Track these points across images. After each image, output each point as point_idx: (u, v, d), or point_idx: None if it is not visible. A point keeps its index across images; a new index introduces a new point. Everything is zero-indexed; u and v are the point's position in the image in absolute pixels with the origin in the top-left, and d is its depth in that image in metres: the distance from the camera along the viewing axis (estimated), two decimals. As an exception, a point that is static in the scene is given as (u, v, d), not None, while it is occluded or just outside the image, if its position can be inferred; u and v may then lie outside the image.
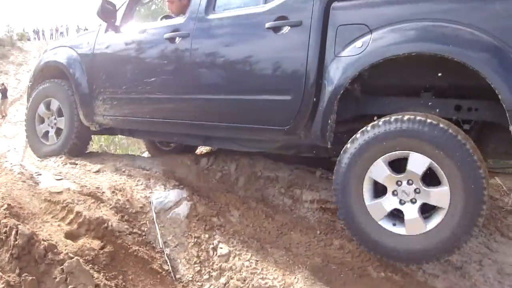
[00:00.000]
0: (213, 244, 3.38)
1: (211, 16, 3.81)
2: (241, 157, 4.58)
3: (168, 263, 3.21)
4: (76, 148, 4.89)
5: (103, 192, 3.60)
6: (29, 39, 53.83)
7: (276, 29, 3.35)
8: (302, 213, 3.93)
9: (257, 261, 3.22)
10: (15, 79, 28.83)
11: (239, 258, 3.25)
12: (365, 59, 2.93)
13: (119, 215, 3.38)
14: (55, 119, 5.06)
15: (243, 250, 3.31)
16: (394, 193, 2.87)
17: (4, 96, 22.39)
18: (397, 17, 2.89)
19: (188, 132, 4.20)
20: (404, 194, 2.84)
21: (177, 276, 3.14)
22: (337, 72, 3.06)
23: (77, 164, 4.35)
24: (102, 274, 2.79)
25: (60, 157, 4.68)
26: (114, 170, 4.15)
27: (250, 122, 3.62)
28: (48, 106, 5.09)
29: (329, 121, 3.12)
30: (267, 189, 4.24)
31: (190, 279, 3.13)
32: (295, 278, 3.07)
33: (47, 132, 5.13)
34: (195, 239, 3.41)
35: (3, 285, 2.34)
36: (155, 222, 3.48)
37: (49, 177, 3.78)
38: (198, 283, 3.11)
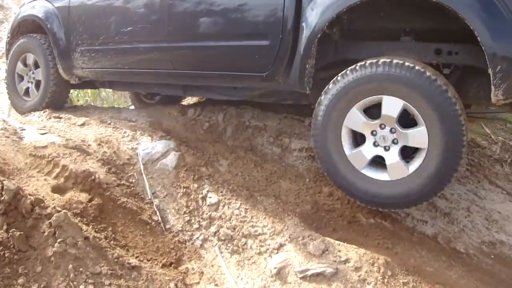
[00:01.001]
0: (202, 193, 3.37)
1: None
2: (228, 106, 4.52)
3: (158, 213, 3.20)
4: (56, 97, 4.82)
5: (89, 145, 3.56)
6: (8, -5, 52.37)
7: None
8: (291, 161, 3.91)
9: (247, 209, 3.22)
10: (-4, 37, 28.14)
11: (228, 207, 3.24)
12: (343, 1, 2.85)
13: (106, 167, 3.35)
14: (32, 73, 4.98)
15: (232, 198, 3.31)
16: (374, 142, 2.88)
17: None
18: None
19: (167, 82, 4.19)
20: (382, 139, 2.84)
21: (167, 227, 3.14)
22: (314, 15, 3.00)
23: (61, 118, 4.28)
24: (91, 226, 2.78)
25: (44, 112, 4.60)
26: (100, 123, 4.10)
27: (228, 69, 3.57)
28: (24, 62, 5.03)
29: (307, 66, 3.08)
30: (255, 139, 4.21)
31: (180, 229, 3.13)
32: (284, 225, 3.07)
33: (27, 89, 5.06)
34: (184, 189, 3.40)
35: (-8, 241, 2.32)
36: (143, 173, 3.46)
37: (33, 131, 3.72)
38: (188, 233, 3.11)
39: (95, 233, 2.70)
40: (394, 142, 2.82)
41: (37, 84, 4.94)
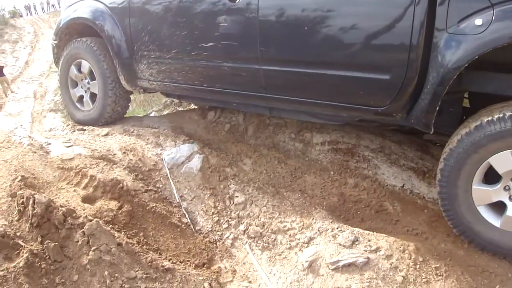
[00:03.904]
0: (229, 193, 3.41)
1: None
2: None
3: (187, 216, 3.24)
4: (117, 109, 4.56)
5: (115, 154, 3.61)
6: (21, 16, 53.27)
7: None
8: (314, 155, 3.93)
9: (274, 205, 3.25)
10: (12, 57, 28.53)
11: (256, 205, 3.27)
12: (487, 42, 2.45)
13: (133, 174, 3.40)
14: (88, 83, 4.67)
15: (259, 196, 3.34)
16: (506, 187, 2.63)
17: (1, 74, 21.57)
18: None
19: (253, 103, 3.76)
20: None
21: (197, 228, 3.18)
22: (450, 53, 2.59)
23: (85, 130, 4.35)
24: (123, 233, 2.83)
25: (68, 125, 4.67)
26: (123, 132, 4.14)
27: (337, 100, 3.18)
28: (79, 68, 4.70)
29: (437, 108, 2.72)
30: (277, 136, 4.24)
31: (210, 229, 3.17)
32: (313, 218, 3.09)
33: (81, 97, 4.80)
34: (211, 191, 3.43)
35: (27, 254, 2.37)
36: (169, 177, 3.50)
37: (58, 145, 3.78)
38: (218, 233, 3.14)
39: (128, 239, 2.75)
40: None
41: (92, 96, 4.66)
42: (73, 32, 4.82)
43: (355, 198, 3.37)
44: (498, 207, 2.71)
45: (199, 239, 3.07)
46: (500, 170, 2.59)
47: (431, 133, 2.90)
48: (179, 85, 4.01)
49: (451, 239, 2.98)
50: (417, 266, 2.63)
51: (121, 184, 3.20)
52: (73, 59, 4.70)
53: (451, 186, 2.74)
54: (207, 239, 3.09)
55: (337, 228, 2.95)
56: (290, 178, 3.61)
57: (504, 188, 2.63)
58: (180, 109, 5.67)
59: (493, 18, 2.42)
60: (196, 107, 5.30)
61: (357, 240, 2.80)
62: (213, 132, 4.37)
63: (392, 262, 2.65)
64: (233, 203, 3.33)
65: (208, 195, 3.40)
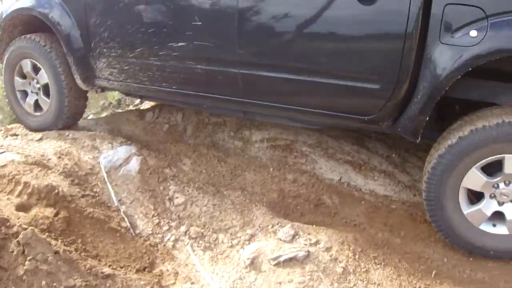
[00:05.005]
0: (168, 195, 3.38)
1: None
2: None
3: (126, 220, 3.19)
4: (73, 112, 4.26)
5: (49, 159, 3.51)
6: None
7: None
8: (254, 153, 3.96)
9: (214, 205, 3.26)
10: None
11: (196, 205, 3.27)
12: (481, 54, 2.45)
13: (68, 179, 3.31)
14: (39, 89, 4.27)
15: (199, 196, 3.34)
16: (495, 185, 2.66)
17: None
18: None
19: (228, 107, 3.59)
20: (502, 196, 2.66)
21: (137, 232, 3.14)
22: (443, 63, 2.55)
23: (18, 135, 4.19)
24: (60, 240, 2.75)
25: (0, 131, 4.50)
26: (57, 136, 4.02)
27: (320, 107, 3.10)
28: (34, 68, 4.24)
29: (427, 118, 2.70)
30: (216, 135, 4.24)
31: (150, 232, 3.13)
32: (253, 215, 3.13)
33: (25, 93, 4.43)
34: (150, 193, 3.40)
35: (-40, 269, 2.29)
36: (107, 181, 3.43)
37: (-10, 152, 3.66)
38: (159, 235, 3.12)
39: (65, 247, 2.68)
40: None
41: (36, 104, 4.34)
42: (18, 24, 4.39)
43: (294, 193, 3.43)
44: (471, 200, 2.77)
45: (140, 243, 3.03)
46: (508, 169, 2.58)
47: (418, 141, 2.87)
48: (144, 86, 3.74)
49: (388, 228, 3.10)
50: (356, 257, 2.71)
51: (56, 190, 3.11)
52: (22, 58, 4.29)
53: (458, 156, 2.64)
54: (148, 242, 3.06)
55: (277, 224, 3.00)
56: (230, 176, 3.63)
57: (493, 186, 2.66)
58: (119, 110, 5.58)
59: (488, 29, 2.42)
60: (134, 108, 5.24)
61: (297, 235, 2.86)
62: (151, 133, 4.31)
63: (332, 254, 2.72)
64: (173, 204, 3.31)
65: (148, 197, 3.36)
